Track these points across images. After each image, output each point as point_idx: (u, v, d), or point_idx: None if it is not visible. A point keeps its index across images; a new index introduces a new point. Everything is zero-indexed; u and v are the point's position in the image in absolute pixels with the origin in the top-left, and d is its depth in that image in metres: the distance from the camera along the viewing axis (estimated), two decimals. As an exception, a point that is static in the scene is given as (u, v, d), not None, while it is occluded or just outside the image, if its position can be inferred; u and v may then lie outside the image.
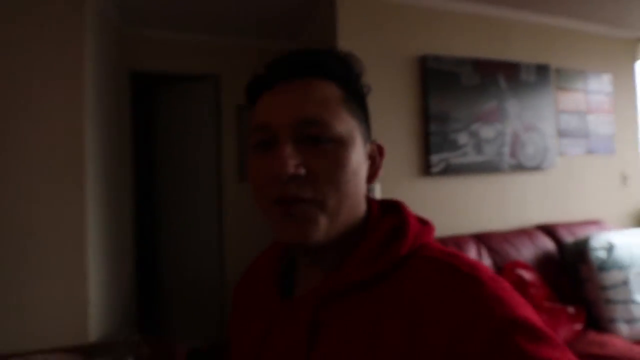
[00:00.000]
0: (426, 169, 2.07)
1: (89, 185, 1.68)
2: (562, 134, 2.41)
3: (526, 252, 2.01)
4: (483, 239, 2.00)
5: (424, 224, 0.45)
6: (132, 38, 2.33)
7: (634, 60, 2.72)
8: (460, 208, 2.14)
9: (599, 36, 2.58)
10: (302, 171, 0.38)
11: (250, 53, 2.54)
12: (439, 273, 0.37)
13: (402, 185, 2.02)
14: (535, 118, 2.31)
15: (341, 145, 0.40)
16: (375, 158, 0.47)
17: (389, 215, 0.45)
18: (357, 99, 0.44)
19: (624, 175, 2.56)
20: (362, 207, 0.45)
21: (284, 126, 0.39)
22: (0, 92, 1.53)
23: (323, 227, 0.40)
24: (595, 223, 2.30)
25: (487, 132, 2.19)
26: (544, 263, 2.02)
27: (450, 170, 2.09)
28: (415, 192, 2.04)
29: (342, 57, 0.44)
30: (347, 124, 0.41)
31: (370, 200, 0.48)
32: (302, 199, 0.38)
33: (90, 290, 1.64)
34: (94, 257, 1.71)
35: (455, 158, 2.10)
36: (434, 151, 2.05)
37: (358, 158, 0.42)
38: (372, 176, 0.47)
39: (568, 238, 2.11)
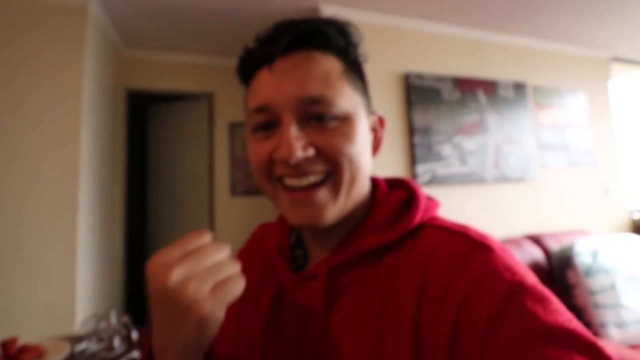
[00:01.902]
0: (413, 179, 2.13)
1: (82, 195, 1.72)
2: (542, 147, 2.50)
3: (514, 260, 2.03)
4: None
5: (430, 199, 0.45)
6: (131, 59, 2.46)
7: (607, 78, 2.88)
8: (448, 217, 2.17)
9: (573, 56, 2.75)
10: (311, 152, 0.38)
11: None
12: (451, 240, 0.37)
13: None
14: (515, 131, 2.41)
15: (347, 121, 0.39)
16: (377, 130, 0.47)
17: (397, 190, 0.46)
18: (356, 70, 0.43)
19: (606, 187, 2.63)
20: (368, 183, 0.45)
21: (286, 106, 0.38)
22: (1, 104, 1.61)
23: (341, 204, 0.40)
24: (580, 232, 2.33)
25: (469, 144, 2.27)
26: (533, 271, 2.02)
27: (436, 180, 2.15)
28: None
29: (340, 26, 0.42)
30: (350, 100, 0.40)
31: (375, 179, 0.48)
32: (315, 171, 0.38)
33: (78, 300, 1.63)
34: (84, 267, 1.72)
35: (440, 169, 2.17)
36: (419, 162, 2.13)
37: (364, 132, 0.41)
38: (375, 148, 0.46)
39: (555, 246, 2.14)
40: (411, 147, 2.15)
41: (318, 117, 0.38)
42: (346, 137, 0.39)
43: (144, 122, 2.92)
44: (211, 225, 2.59)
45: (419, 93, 2.19)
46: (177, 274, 0.30)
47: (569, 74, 2.71)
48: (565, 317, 0.30)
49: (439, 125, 2.21)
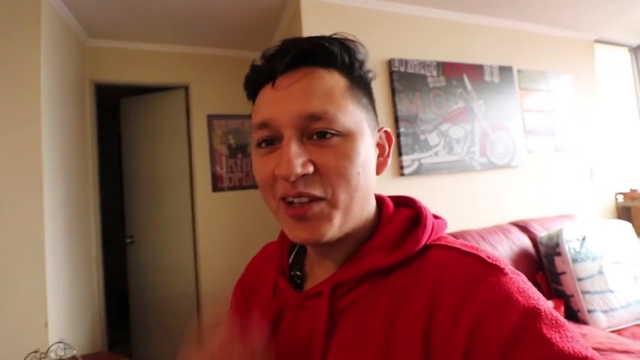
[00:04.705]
0: (399, 170, 2.07)
1: (47, 198, 1.60)
2: (529, 132, 2.47)
3: (502, 248, 2.00)
4: (458, 238, 1.98)
5: (437, 218, 0.45)
6: (97, 50, 2.29)
7: (592, 61, 2.85)
8: (434, 208, 2.11)
9: (558, 38, 2.70)
10: (310, 169, 0.37)
11: (219, 62, 2.54)
12: (461, 261, 0.36)
13: (377, 187, 2.00)
14: (502, 117, 2.37)
15: (349, 138, 0.39)
16: (384, 146, 0.46)
17: (403, 208, 0.45)
18: (362, 86, 0.43)
19: (591, 171, 2.63)
20: (372, 201, 0.45)
21: (288, 123, 0.38)
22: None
23: (337, 224, 0.39)
24: (567, 217, 2.33)
25: (456, 132, 2.22)
26: (520, 258, 2.01)
27: (422, 170, 2.09)
28: (389, 194, 2.03)
29: (345, 43, 0.42)
30: (353, 116, 0.40)
31: (381, 196, 0.48)
32: (311, 195, 0.38)
33: (50, 308, 1.54)
34: (55, 274, 1.62)
35: (427, 158, 2.11)
36: (405, 152, 2.06)
37: (367, 150, 0.41)
38: (381, 165, 0.46)
39: (542, 233, 2.12)
40: (397, 137, 2.08)
41: (319, 133, 0.38)
42: (346, 156, 0.38)
43: (117, 118, 2.77)
44: (192, 222, 2.49)
45: (403, 80, 2.11)
46: None
47: (555, 56, 2.67)
48: (581, 344, 0.29)
49: (425, 113, 2.14)
